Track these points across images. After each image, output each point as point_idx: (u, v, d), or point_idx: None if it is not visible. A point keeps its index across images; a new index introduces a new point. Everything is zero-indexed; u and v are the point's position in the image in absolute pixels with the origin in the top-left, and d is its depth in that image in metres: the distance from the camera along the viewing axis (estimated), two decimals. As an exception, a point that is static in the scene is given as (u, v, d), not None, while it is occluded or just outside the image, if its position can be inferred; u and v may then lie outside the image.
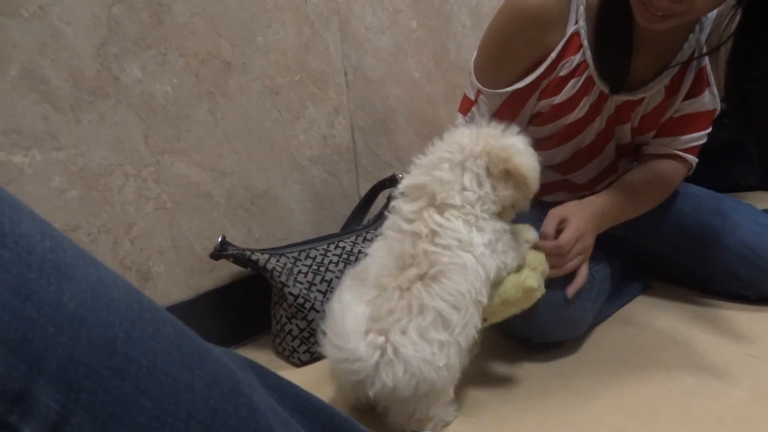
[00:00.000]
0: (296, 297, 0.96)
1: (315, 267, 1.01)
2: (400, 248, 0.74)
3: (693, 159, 1.01)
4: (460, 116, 1.03)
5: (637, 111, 0.97)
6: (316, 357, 0.99)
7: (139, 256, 0.94)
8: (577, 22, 0.90)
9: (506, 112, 0.97)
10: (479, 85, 0.97)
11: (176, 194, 0.97)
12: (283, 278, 0.96)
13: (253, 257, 0.96)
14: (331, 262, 1.03)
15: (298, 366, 0.98)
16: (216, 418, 0.39)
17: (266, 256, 0.97)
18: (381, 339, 0.69)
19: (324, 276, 1.00)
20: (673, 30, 0.85)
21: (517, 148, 0.76)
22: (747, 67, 0.84)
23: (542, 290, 0.82)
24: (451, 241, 0.72)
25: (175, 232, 0.98)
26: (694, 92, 0.96)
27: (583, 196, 0.97)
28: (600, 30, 0.89)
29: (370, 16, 1.27)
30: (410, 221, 0.75)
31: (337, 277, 1.01)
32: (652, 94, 0.94)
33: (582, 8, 0.89)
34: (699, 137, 0.99)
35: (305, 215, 1.18)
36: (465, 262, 0.71)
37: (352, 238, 1.08)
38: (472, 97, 1.00)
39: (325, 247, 1.05)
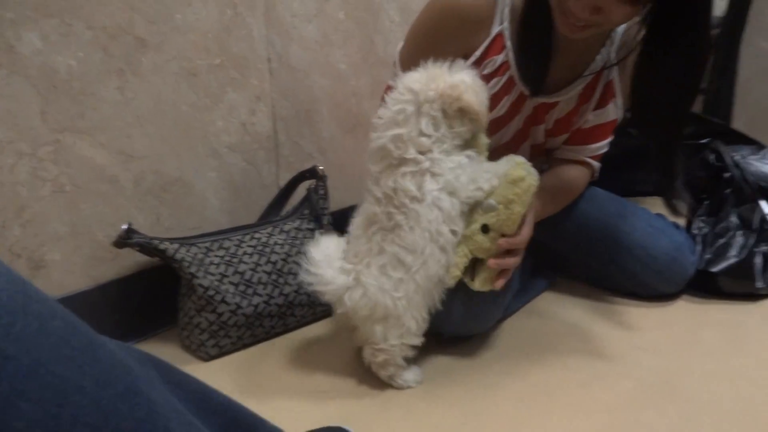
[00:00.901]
0: (206, 289, 0.93)
1: (228, 258, 0.98)
2: (368, 208, 0.85)
3: (597, 165, 1.08)
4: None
5: (551, 114, 1.02)
6: (225, 351, 0.96)
7: (31, 242, 0.87)
8: (501, 23, 0.93)
9: None
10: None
11: (77, 177, 0.91)
12: (193, 269, 0.93)
13: (161, 246, 0.92)
14: (245, 253, 1.00)
15: (205, 360, 0.95)
16: (107, 420, 0.37)
17: (176, 245, 0.93)
18: (349, 266, 0.83)
19: (237, 268, 0.97)
20: (588, 41, 0.91)
21: (466, 85, 0.82)
22: (649, 79, 0.90)
23: (533, 177, 0.86)
24: (404, 200, 0.81)
25: (74, 217, 0.91)
26: (602, 103, 1.02)
27: None
28: (522, 34, 0.93)
29: (297, 3, 1.24)
30: (375, 183, 0.84)
31: (251, 270, 0.99)
32: (566, 99, 1.00)
33: (507, 10, 0.93)
34: (604, 145, 1.06)
35: (220, 204, 1.14)
36: (418, 212, 0.81)
37: (269, 230, 1.06)
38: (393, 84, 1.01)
39: (239, 237, 1.02)
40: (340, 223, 1.25)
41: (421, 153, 0.81)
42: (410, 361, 0.88)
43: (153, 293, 1.02)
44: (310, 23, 1.28)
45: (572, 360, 0.93)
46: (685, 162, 1.23)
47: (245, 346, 0.99)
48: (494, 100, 0.97)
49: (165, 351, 0.98)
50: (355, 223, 0.88)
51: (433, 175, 0.81)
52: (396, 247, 0.82)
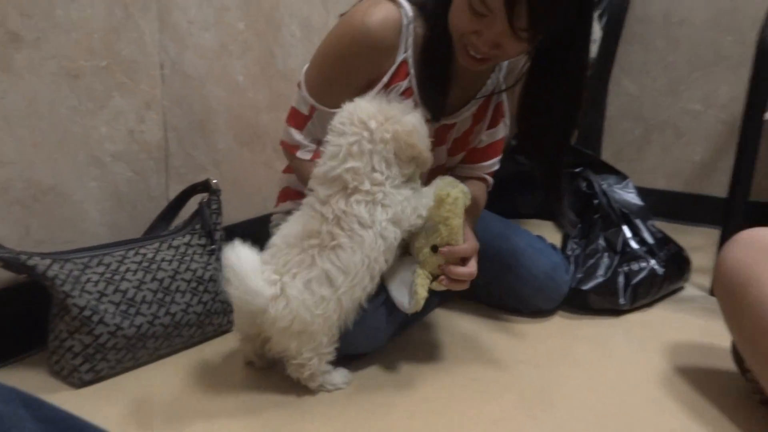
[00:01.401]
0: (82, 309, 0.85)
1: (108, 275, 0.91)
2: (310, 223, 0.86)
3: (491, 181, 1.17)
4: (294, 131, 1.02)
5: (450, 134, 1.08)
6: (102, 376, 0.89)
7: None
8: (406, 51, 0.97)
9: None
10: (314, 102, 0.99)
11: (-71, 182, 0.80)
12: (67, 287, 0.85)
13: (30, 262, 0.84)
14: (128, 270, 0.94)
15: (77, 387, 0.87)
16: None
17: (47, 261, 0.85)
18: (275, 277, 0.83)
19: (119, 286, 0.91)
20: (482, 71, 0.99)
21: (419, 132, 0.87)
22: (533, 109, 1.00)
23: (458, 189, 0.94)
24: (353, 225, 0.84)
25: (-77, 227, 0.80)
26: (493, 123, 1.11)
27: None
28: (424, 64, 0.97)
29: (195, 10, 1.20)
30: (323, 203, 0.86)
31: (135, 288, 0.92)
32: (462, 120, 1.06)
33: (410, 39, 0.96)
34: (496, 162, 1.15)
35: (101, 217, 1.06)
36: (364, 238, 0.84)
37: (156, 245, 1.00)
38: (305, 112, 1.01)
39: (122, 253, 0.96)
40: (233, 238, 1.21)
41: (374, 185, 0.85)
42: (334, 364, 0.91)
43: (19, 314, 0.92)
44: (207, 31, 1.24)
45: (461, 375, 0.97)
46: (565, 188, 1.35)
47: (125, 370, 0.92)
48: None
49: (31, 377, 0.89)
50: (288, 233, 0.88)
51: (384, 206, 0.85)
52: (330, 265, 0.83)
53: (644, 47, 1.92)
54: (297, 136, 1.02)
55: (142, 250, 0.98)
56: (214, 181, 1.10)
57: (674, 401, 0.91)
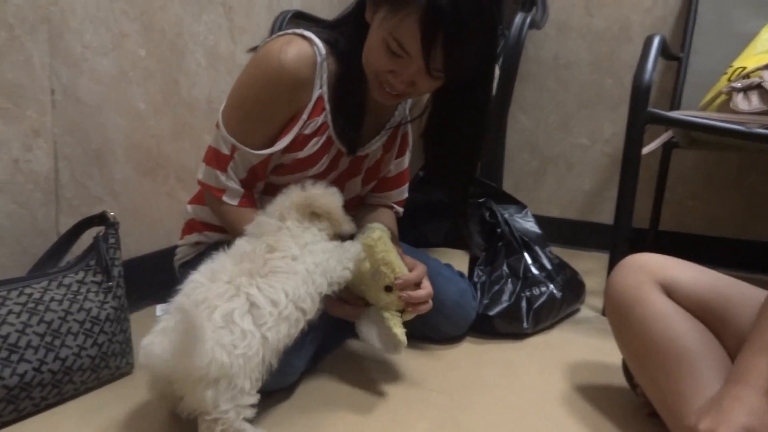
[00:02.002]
0: (-46, 358, 0.76)
1: (-14, 319, 0.82)
2: (239, 250, 0.85)
3: (401, 210, 1.21)
4: (219, 173, 0.99)
5: (364, 164, 1.10)
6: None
7: None
8: (321, 87, 0.97)
9: (261, 168, 1.00)
10: (234, 142, 0.97)
11: None
12: (-64, 335, 0.76)
13: None
14: (10, 312, 0.85)
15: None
16: None
17: None
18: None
19: (-1, 330, 0.82)
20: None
21: (316, 194, 0.91)
22: (439, 136, 1.05)
23: (377, 229, 0.99)
24: (287, 254, 0.83)
25: None
26: (400, 152, 1.15)
27: None
28: (338, 99, 0.99)
29: (90, 35, 1.14)
30: (257, 236, 0.87)
31: (19, 332, 0.84)
32: (374, 150, 1.09)
33: (325, 76, 0.97)
34: (404, 190, 1.20)
35: (-22, 254, 0.96)
36: (297, 270, 0.83)
37: (44, 284, 0.92)
38: (226, 152, 0.98)
39: (3, 294, 0.87)
40: (133, 275, 1.14)
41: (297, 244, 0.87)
42: (252, 422, 0.79)
43: None
44: (105, 57, 1.18)
45: (374, 406, 0.97)
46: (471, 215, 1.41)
47: (5, 424, 0.83)
48: (315, 158, 1.02)
49: None
50: (214, 266, 0.82)
51: (311, 252, 0.87)
52: (256, 292, 0.78)
53: (538, 86, 2.07)
54: (222, 178, 0.99)
55: (27, 290, 0.90)
56: (112, 213, 1.04)
57: (573, 419, 0.96)
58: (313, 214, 0.92)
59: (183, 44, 1.38)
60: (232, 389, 0.74)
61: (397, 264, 0.97)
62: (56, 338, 0.88)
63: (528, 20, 1.63)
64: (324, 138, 1.01)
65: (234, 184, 1.00)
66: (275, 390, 0.97)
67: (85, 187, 1.17)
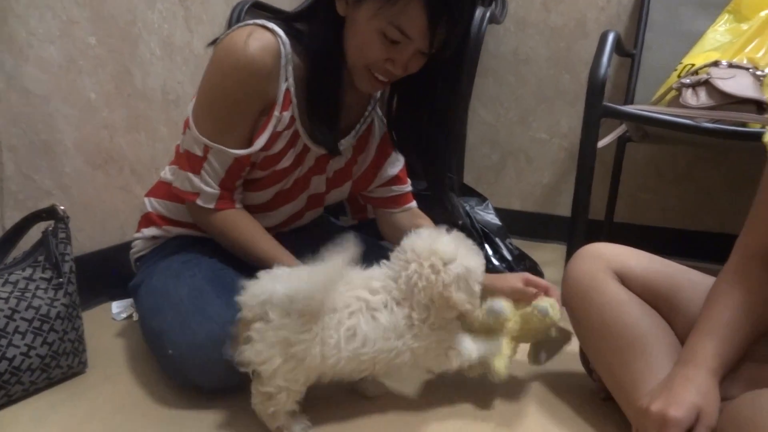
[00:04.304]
0: None
1: (-76, 319, 0.78)
2: (372, 281, 0.84)
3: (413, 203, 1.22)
4: (192, 176, 0.97)
5: (331, 164, 1.08)
6: None
7: None
8: (287, 80, 0.95)
9: (237, 169, 0.97)
10: (208, 141, 0.94)
11: None
12: None
13: None
14: (-49, 311, 0.81)
15: None
16: None
17: None
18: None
19: (-62, 330, 0.78)
20: (360, 100, 1.03)
21: (460, 284, 0.82)
22: (405, 127, 1.07)
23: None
24: (395, 325, 0.83)
25: None
26: (387, 152, 1.14)
27: (279, 234, 1.05)
28: (313, 97, 0.96)
29: (36, 21, 1.09)
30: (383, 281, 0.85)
31: (-40, 331, 0.80)
32: (345, 149, 1.07)
33: (290, 67, 0.95)
34: (409, 184, 1.20)
35: None
36: (395, 347, 0.83)
37: (-12, 281, 0.88)
38: (199, 153, 0.95)
39: (-57, 292, 0.82)
40: (86, 271, 1.10)
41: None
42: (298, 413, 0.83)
43: None
44: (52, 44, 1.13)
45: (339, 396, 0.96)
46: (429, 209, 1.42)
47: (-54, 429, 0.79)
48: (282, 153, 1.00)
49: None
50: (352, 277, 0.84)
51: (414, 336, 0.85)
52: (362, 323, 0.81)
53: (498, 81, 2.10)
54: (196, 181, 0.96)
55: (-30, 288, 0.85)
56: (61, 207, 1.00)
57: (533, 404, 0.98)
58: (437, 299, 0.84)
59: (136, 33, 1.34)
60: (291, 367, 0.78)
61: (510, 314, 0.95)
62: (2, 338, 0.85)
63: (488, 15, 1.65)
64: (291, 132, 0.99)
65: (209, 188, 0.97)
66: (236, 384, 0.95)
67: (32, 180, 1.12)
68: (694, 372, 0.73)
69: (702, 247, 1.85)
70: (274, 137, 0.97)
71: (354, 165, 1.12)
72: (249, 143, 0.96)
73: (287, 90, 0.96)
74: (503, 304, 0.94)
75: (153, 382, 0.98)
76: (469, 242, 0.88)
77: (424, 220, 1.20)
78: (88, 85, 1.23)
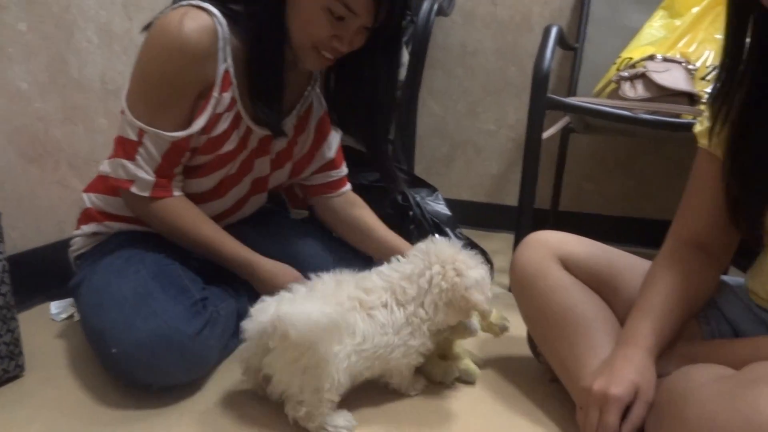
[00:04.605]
0: None
1: None
2: (367, 282, 0.88)
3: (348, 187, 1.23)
4: (126, 162, 0.93)
5: (273, 145, 1.07)
6: None
7: None
8: (225, 61, 0.94)
9: (177, 153, 0.94)
10: (143, 125, 0.91)
11: None
12: None
13: None
14: None
15: None
16: None
17: None
18: (328, 309, 0.78)
19: None
20: (300, 80, 1.04)
21: (479, 288, 0.87)
22: (341, 107, 1.09)
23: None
24: (394, 322, 0.86)
25: None
26: (325, 132, 1.15)
27: (228, 227, 1.04)
28: (256, 78, 0.96)
29: (-41, 4, 1.03)
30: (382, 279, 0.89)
31: None
32: (286, 130, 1.06)
33: (229, 48, 0.93)
34: (345, 166, 1.21)
35: None
36: (392, 342, 0.86)
37: None
38: (133, 137, 0.92)
39: None
40: (21, 270, 1.05)
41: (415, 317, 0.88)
42: (338, 405, 0.85)
43: None
44: (-22, 30, 1.07)
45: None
46: (380, 201, 1.42)
47: None
48: (225, 136, 0.98)
49: None
50: (343, 280, 0.88)
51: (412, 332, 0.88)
52: (360, 322, 0.83)
53: (446, 73, 2.12)
54: (130, 167, 0.93)
55: None
56: (-8, 203, 0.95)
57: (484, 389, 1.00)
58: (457, 300, 0.87)
59: (71, 19, 1.27)
60: (316, 381, 0.79)
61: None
62: (-72, 342, 0.79)
63: (435, 7, 1.66)
64: (233, 114, 0.97)
65: (144, 174, 0.94)
66: (187, 382, 0.93)
67: (-41, 175, 1.06)
68: (633, 351, 0.77)
69: (641, 234, 1.93)
70: (214, 119, 0.95)
71: (295, 146, 1.12)
72: (186, 126, 0.94)
73: (226, 71, 0.94)
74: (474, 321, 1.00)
75: (97, 383, 0.95)
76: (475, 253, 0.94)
77: (363, 207, 1.21)
78: (19, 74, 1.17)
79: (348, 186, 1.22)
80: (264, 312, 0.78)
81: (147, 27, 0.94)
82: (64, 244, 1.11)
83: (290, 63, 0.98)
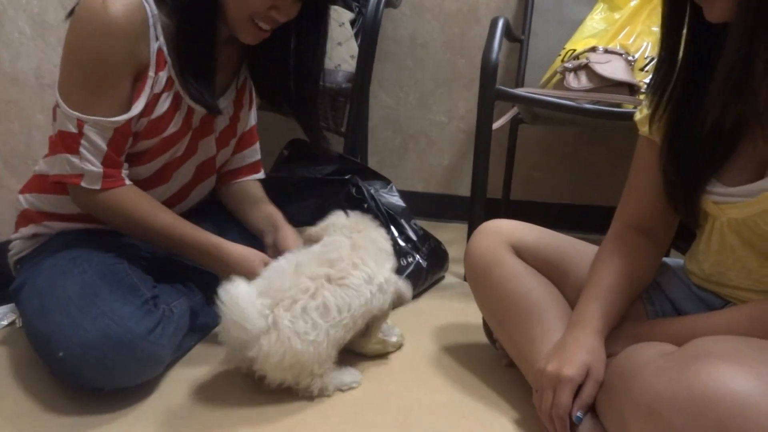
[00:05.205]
0: None
1: None
2: (327, 254, 0.94)
3: (261, 174, 1.23)
4: (71, 157, 0.89)
5: (216, 123, 1.06)
6: None
7: None
8: (158, 39, 0.92)
9: (119, 140, 0.91)
10: (80, 115, 0.87)
11: None
12: None
13: None
14: None
15: None
16: None
17: None
18: (267, 311, 0.85)
19: None
20: (233, 57, 1.04)
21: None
22: (272, 81, 1.09)
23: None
24: (363, 275, 0.94)
25: None
26: (248, 108, 1.15)
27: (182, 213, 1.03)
28: (187, 54, 0.94)
29: None
30: (338, 251, 0.95)
31: None
32: (225, 107, 1.06)
33: (159, 26, 0.91)
34: (257, 149, 1.22)
35: None
36: (364, 293, 0.93)
37: None
38: (73, 130, 0.88)
39: None
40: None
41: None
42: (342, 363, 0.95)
43: None
44: None
45: (244, 393, 0.94)
46: (335, 194, 1.42)
47: None
48: (167, 118, 0.96)
49: None
50: (301, 259, 0.93)
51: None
52: (331, 297, 0.88)
53: (397, 65, 2.13)
54: (76, 161, 0.89)
55: None
56: None
57: (442, 378, 1.02)
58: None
59: (1, 10, 1.20)
60: (305, 373, 0.88)
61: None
62: None
63: (384, -1, 1.66)
64: (172, 93, 0.95)
65: (91, 166, 0.90)
66: (138, 383, 0.90)
67: None
68: (583, 333, 0.80)
69: (589, 220, 2.00)
70: (153, 100, 0.93)
71: (238, 122, 1.12)
72: (126, 111, 0.91)
73: (159, 49, 0.92)
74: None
75: (44, 389, 0.91)
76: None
77: (256, 189, 1.21)
78: (-55, 67, 1.09)
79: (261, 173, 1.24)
80: (242, 328, 0.83)
81: (71, 13, 0.90)
82: (2, 248, 1.05)
83: (223, 39, 0.98)
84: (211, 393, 0.93)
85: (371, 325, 1.01)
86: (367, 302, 0.93)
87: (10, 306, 1.13)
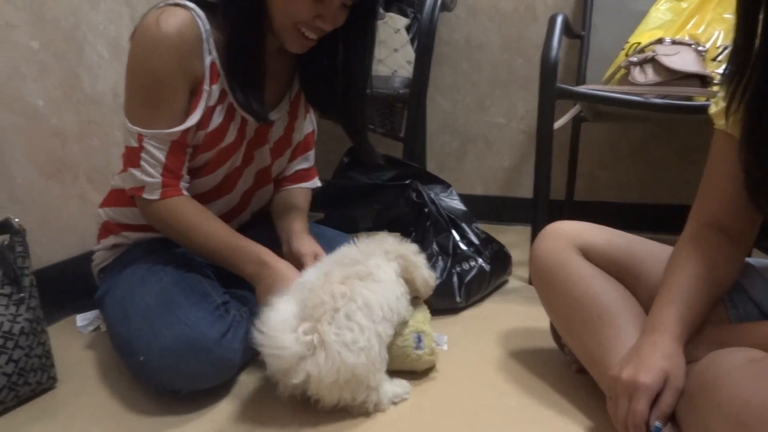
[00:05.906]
0: None
1: None
2: (348, 255, 0.94)
3: (317, 181, 1.24)
4: (134, 171, 0.94)
5: (271, 133, 1.09)
6: None
7: None
8: (211, 53, 0.95)
9: (178, 151, 0.95)
10: (140, 130, 0.92)
11: None
12: None
13: None
14: None
15: None
16: None
17: None
18: (308, 336, 0.82)
19: None
20: (285, 68, 1.06)
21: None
22: (320, 90, 1.10)
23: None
24: (388, 275, 0.93)
25: None
26: (304, 117, 1.17)
27: (240, 225, 1.06)
28: (237, 65, 0.96)
29: (-27, 27, 1.04)
30: (360, 253, 0.95)
31: None
32: (279, 117, 1.08)
33: (212, 40, 0.95)
34: (310, 156, 1.23)
35: None
36: (394, 291, 0.93)
37: (-57, 302, 0.84)
38: (135, 144, 0.93)
39: None
40: (47, 284, 1.07)
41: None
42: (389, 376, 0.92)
43: None
44: (-7, 51, 1.08)
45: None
46: (395, 200, 1.43)
47: None
48: (222, 129, 0.99)
49: None
50: (318, 269, 0.92)
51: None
52: (369, 292, 0.86)
53: (452, 68, 2.12)
54: (137, 174, 0.94)
55: (-77, 310, 0.81)
56: (16, 219, 0.96)
57: (510, 383, 1.00)
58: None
59: (81, 35, 1.29)
60: (362, 386, 0.85)
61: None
62: (-37, 359, 0.81)
63: (439, 2, 1.66)
64: (226, 105, 0.99)
65: (150, 178, 0.95)
66: (212, 386, 0.94)
67: (-18, 194, 1.08)
68: (660, 338, 0.76)
69: (658, 220, 1.91)
70: (209, 112, 0.97)
71: (293, 132, 1.14)
72: (183, 123, 0.95)
73: (213, 63, 0.96)
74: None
75: (127, 391, 0.96)
76: None
77: (301, 198, 1.21)
78: (34, 91, 1.18)
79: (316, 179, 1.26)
80: (284, 360, 0.81)
81: (132, 36, 0.95)
82: (87, 257, 1.12)
83: (272, 52, 1.00)
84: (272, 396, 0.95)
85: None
86: (401, 296, 0.94)
87: (95, 312, 1.20)
